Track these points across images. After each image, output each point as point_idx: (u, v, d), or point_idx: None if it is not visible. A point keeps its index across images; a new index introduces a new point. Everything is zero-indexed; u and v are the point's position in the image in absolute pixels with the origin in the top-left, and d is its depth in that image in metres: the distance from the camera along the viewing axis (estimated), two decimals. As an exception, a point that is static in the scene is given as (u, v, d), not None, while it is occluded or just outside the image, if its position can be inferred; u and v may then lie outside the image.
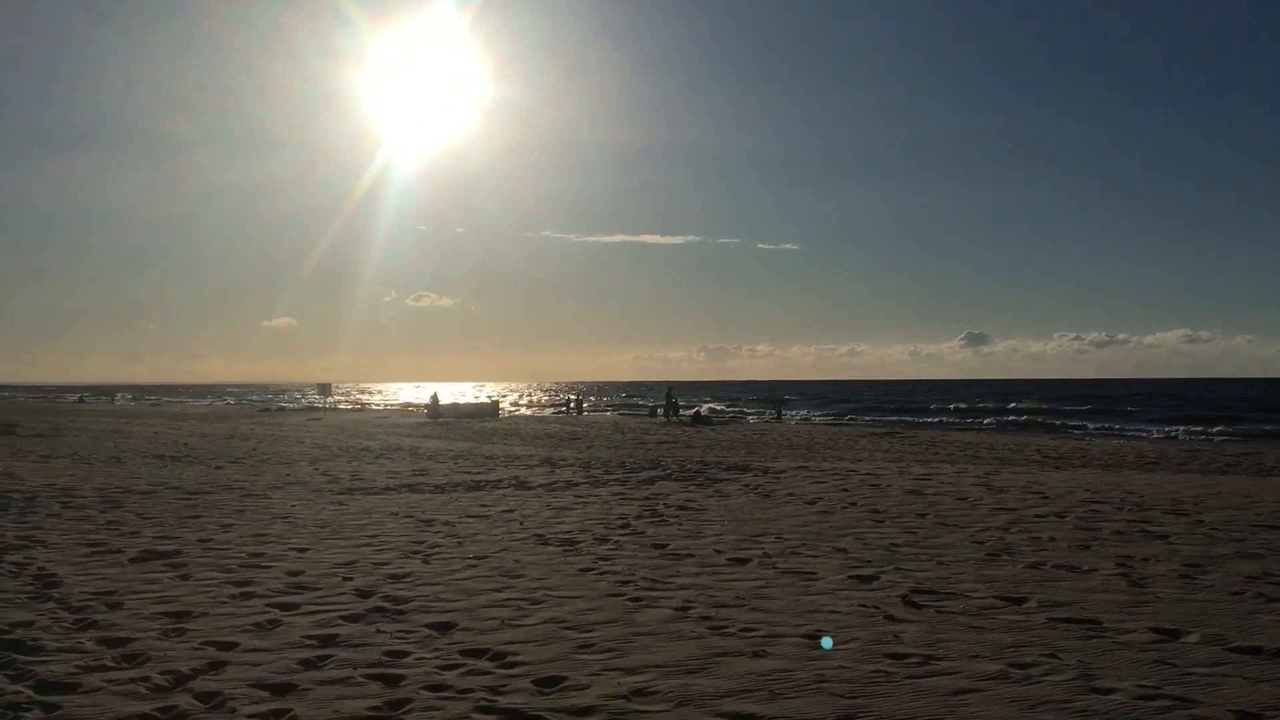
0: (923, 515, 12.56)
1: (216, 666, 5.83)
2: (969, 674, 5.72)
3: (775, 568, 9.09)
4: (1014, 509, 13.14)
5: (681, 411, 55.05)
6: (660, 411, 58.76)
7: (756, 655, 6.12)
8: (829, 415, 69.49)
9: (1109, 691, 5.40)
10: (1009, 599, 7.74)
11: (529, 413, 73.81)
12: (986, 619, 7.10)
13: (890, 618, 7.12)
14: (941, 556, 9.65)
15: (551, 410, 78.18)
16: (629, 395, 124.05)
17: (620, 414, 70.03)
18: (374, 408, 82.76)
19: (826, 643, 6.37)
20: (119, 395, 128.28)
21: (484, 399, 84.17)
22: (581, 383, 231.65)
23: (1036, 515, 12.50)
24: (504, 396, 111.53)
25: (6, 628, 6.65)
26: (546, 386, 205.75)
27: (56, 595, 7.69)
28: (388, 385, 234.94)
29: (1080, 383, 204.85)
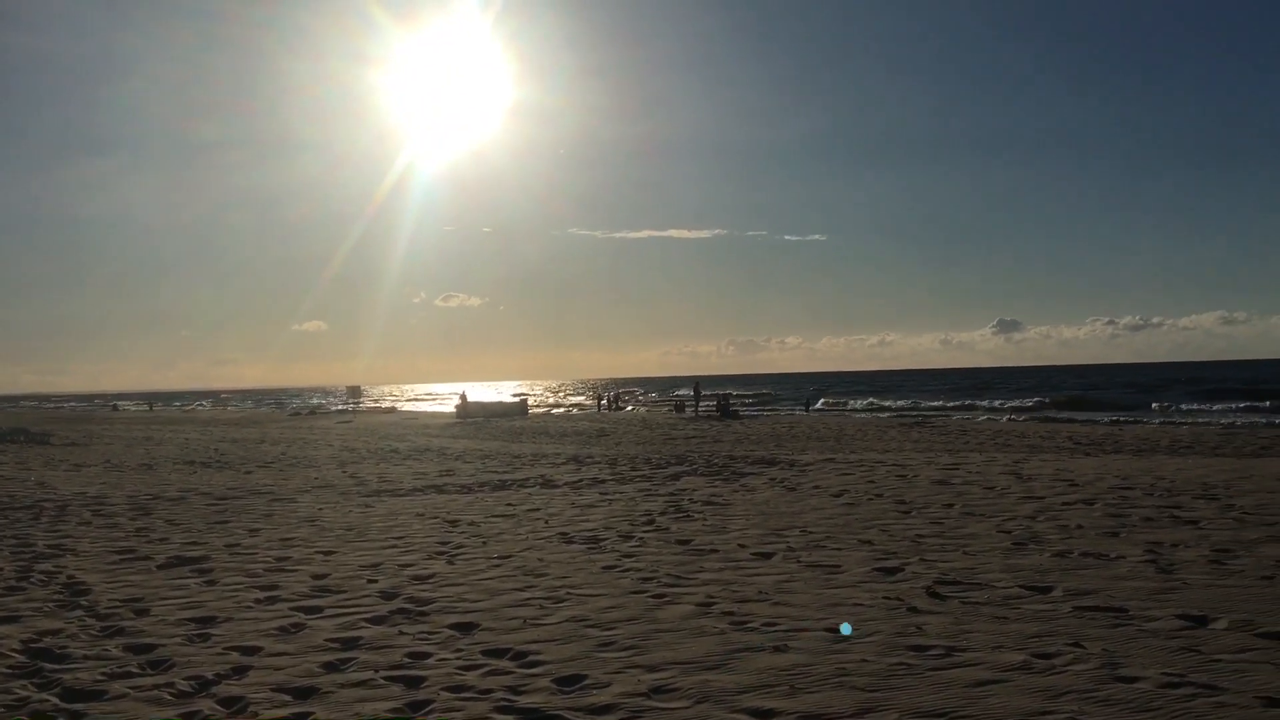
0: (949, 505, 12.48)
1: (240, 671, 5.87)
2: (991, 665, 5.67)
3: (799, 561, 9.05)
4: (1042, 497, 13.03)
5: (702, 404, 55.13)
6: (688, 406, 58.78)
7: (778, 650, 6.10)
8: (859, 406, 69.17)
9: (1133, 680, 5.34)
10: (1034, 588, 7.67)
11: (559, 411, 73.89)
12: (1011, 609, 7.04)
13: (914, 610, 7.08)
14: (967, 547, 9.59)
15: (580, 408, 78.30)
16: (660, 390, 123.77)
17: (649, 409, 69.94)
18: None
19: (846, 628, 6.34)
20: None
21: (512, 398, 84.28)
22: (610, 379, 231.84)
23: (1065, 503, 12.39)
24: (534, 395, 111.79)
25: (35, 636, 6.73)
26: (576, 383, 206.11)
27: (85, 603, 7.77)
28: (418, 386, 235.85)
29: (1114, 368, 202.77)
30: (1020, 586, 7.74)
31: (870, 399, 76.04)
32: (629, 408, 68.14)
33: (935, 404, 67.36)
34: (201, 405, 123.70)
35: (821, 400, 72.95)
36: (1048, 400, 63.66)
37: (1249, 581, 7.73)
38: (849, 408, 67.73)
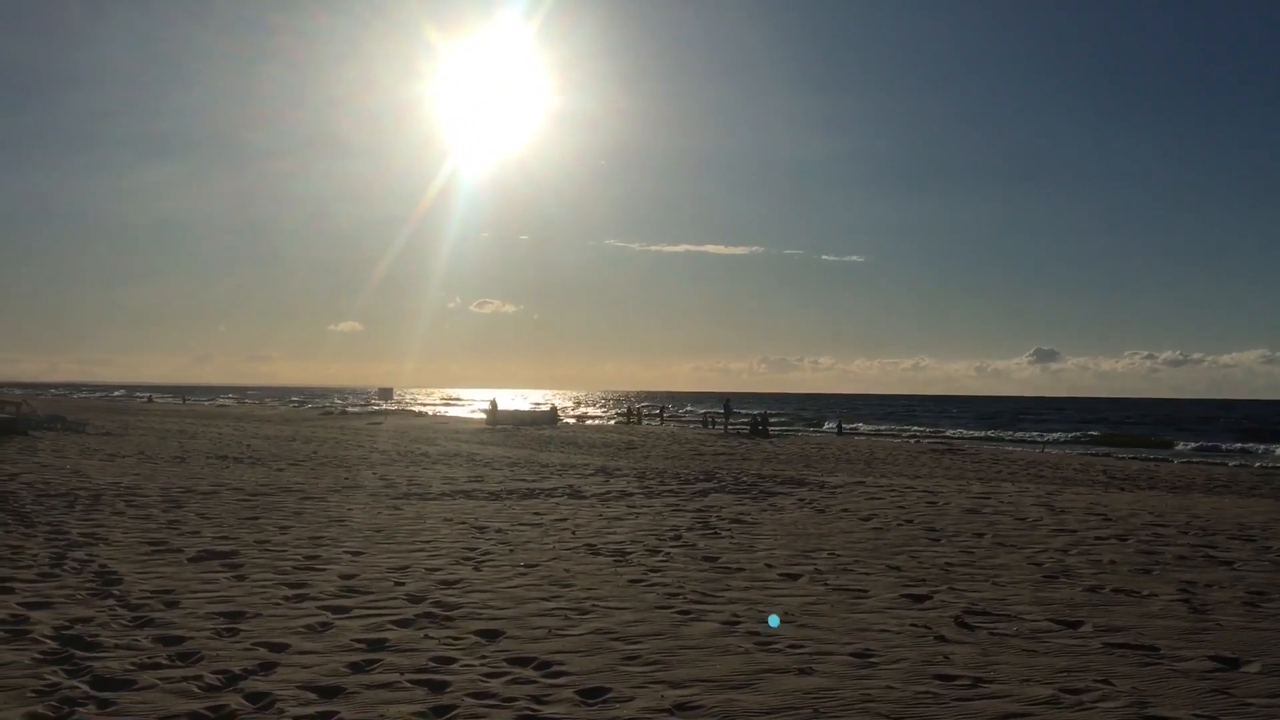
0: (980, 535, 12.38)
1: (267, 667, 5.92)
2: (1019, 698, 5.62)
3: (826, 584, 9.01)
4: (1074, 530, 12.90)
5: (733, 422, 55.15)
6: (718, 423, 58.72)
7: (803, 673, 6.07)
8: (890, 430, 68.75)
9: (1163, 721, 5.28)
10: (1064, 622, 7.60)
11: (589, 421, 73.98)
12: (1040, 642, 6.98)
13: (941, 638, 7.03)
14: (997, 577, 9.50)
15: (605, 420, 78.43)
16: (690, 405, 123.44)
17: (678, 425, 69.86)
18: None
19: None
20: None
21: (542, 406, 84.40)
22: (641, 391, 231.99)
23: (1097, 537, 12.26)
24: (567, 403, 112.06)
25: (67, 623, 6.82)
26: (607, 394, 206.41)
27: (116, 593, 7.87)
28: (449, 390, 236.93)
29: (1152, 402, 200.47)
30: (1050, 620, 7.67)
31: (902, 424, 75.56)
32: (642, 422, 67.86)
33: (968, 431, 66.86)
34: (229, 398, 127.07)
35: (835, 422, 71.73)
36: (1096, 433, 62.87)
37: (1284, 626, 7.61)
38: (878, 431, 67.32)
